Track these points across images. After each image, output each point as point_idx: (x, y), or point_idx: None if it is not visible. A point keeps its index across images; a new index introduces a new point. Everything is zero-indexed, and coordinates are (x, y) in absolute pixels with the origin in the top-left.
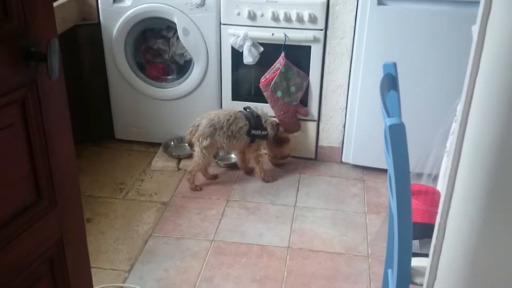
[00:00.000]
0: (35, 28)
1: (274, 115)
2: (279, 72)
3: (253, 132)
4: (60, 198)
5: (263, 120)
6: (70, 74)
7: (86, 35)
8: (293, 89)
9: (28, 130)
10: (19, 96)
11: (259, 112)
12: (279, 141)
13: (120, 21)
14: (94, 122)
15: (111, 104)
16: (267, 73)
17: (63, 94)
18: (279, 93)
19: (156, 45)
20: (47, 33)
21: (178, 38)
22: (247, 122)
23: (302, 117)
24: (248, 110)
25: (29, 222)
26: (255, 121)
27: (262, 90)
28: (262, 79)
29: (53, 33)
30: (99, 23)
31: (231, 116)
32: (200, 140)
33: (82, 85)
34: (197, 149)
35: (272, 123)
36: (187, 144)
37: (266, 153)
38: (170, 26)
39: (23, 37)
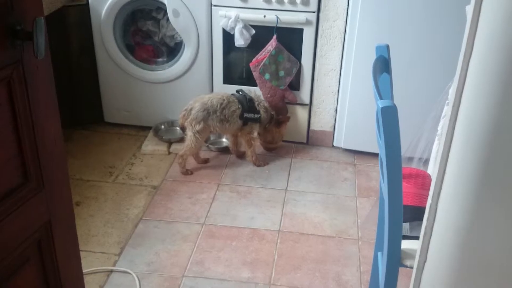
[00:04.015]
0: (21, 6)
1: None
2: (269, 55)
3: (245, 115)
4: (48, 180)
5: (256, 103)
6: (58, 56)
7: (75, 16)
8: (282, 73)
9: (14, 110)
10: (4, 75)
11: (252, 95)
12: (277, 122)
13: (109, 2)
14: (83, 105)
15: (100, 86)
16: (259, 54)
17: (49, 74)
18: (267, 76)
19: (145, 27)
20: (33, 11)
21: (168, 19)
22: (240, 106)
23: (292, 102)
24: (240, 93)
25: (16, 204)
26: (248, 104)
27: (252, 70)
28: (254, 59)
29: (39, 11)
30: (87, 4)
31: (224, 100)
32: (193, 124)
33: (71, 67)
34: (189, 133)
35: (265, 106)
36: (178, 128)
37: (257, 137)
38: (160, 7)
39: (8, 15)
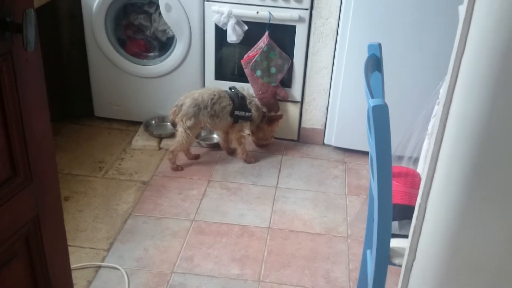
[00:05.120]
0: None
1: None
2: (261, 51)
3: (236, 112)
4: (36, 174)
5: (248, 102)
6: (48, 49)
7: (66, 9)
8: (273, 70)
9: (2, 102)
10: None
11: (245, 93)
12: (269, 120)
13: None
14: (73, 99)
15: (91, 80)
16: (250, 51)
17: (39, 66)
18: (258, 73)
19: (137, 21)
20: (23, 2)
21: (160, 14)
22: (230, 102)
23: (283, 99)
24: (233, 90)
25: (3, 197)
26: (239, 101)
27: (243, 66)
28: (245, 56)
29: (29, 2)
30: None
31: (215, 95)
32: (183, 120)
33: (61, 60)
34: (180, 129)
35: (257, 104)
36: (169, 124)
37: (249, 134)
38: (152, 1)
39: None
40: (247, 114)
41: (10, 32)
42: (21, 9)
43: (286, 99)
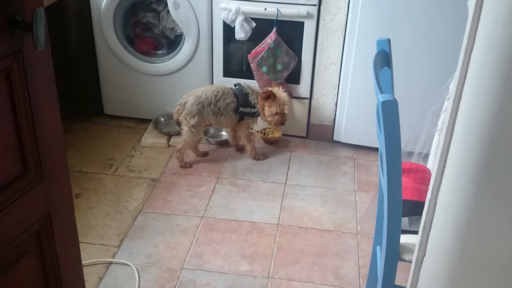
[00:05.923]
0: None
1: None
2: (267, 48)
3: (241, 109)
4: (47, 171)
5: (251, 97)
6: (58, 47)
7: (75, 7)
8: (279, 67)
9: (13, 101)
10: (4, 66)
11: (249, 90)
12: (265, 98)
13: None
14: (82, 97)
15: (100, 78)
16: (258, 46)
17: (49, 65)
18: (264, 69)
19: (146, 19)
20: (33, 1)
21: (168, 11)
22: (234, 99)
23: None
24: (237, 86)
25: (15, 195)
26: (243, 98)
27: (250, 61)
28: (252, 51)
29: (39, 1)
30: None
31: (218, 91)
32: (187, 119)
33: (71, 59)
34: (185, 127)
35: (257, 94)
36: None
37: (257, 131)
38: None
39: (8, 5)
40: (252, 110)
41: (20, 31)
42: (31, 8)
43: (290, 96)
